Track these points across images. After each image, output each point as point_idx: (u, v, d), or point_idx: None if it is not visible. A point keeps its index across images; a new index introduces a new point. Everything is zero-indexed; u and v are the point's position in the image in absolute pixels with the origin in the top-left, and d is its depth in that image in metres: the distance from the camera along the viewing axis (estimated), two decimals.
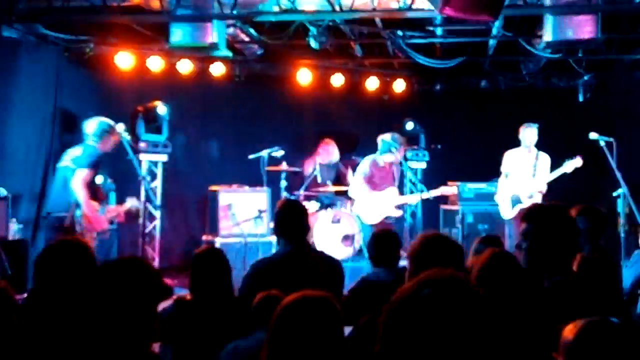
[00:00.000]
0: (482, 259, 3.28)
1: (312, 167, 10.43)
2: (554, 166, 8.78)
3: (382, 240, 4.89)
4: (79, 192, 6.99)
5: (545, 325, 2.86)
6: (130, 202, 7.91)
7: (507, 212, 9.10)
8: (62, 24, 8.88)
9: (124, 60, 9.77)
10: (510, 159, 9.09)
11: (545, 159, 8.95)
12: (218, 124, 11.21)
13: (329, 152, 10.30)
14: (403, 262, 5.02)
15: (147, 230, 9.66)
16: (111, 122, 7.41)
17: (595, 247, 4.67)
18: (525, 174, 8.91)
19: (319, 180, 10.25)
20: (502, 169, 9.18)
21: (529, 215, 3.39)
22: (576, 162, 8.55)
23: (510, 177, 9.04)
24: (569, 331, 2.27)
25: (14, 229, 8.16)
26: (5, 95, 8.65)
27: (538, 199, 8.68)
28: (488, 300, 1.62)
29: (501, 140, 9.18)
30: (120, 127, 7.15)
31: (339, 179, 10.43)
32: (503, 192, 9.11)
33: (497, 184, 9.48)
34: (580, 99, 10.94)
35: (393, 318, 1.63)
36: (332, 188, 10.06)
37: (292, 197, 9.91)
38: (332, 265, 4.63)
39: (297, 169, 10.23)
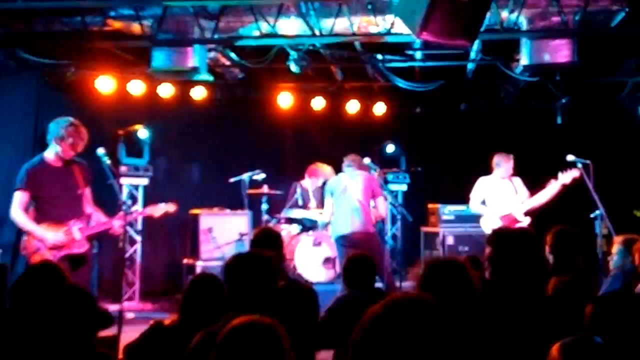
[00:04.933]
0: None
1: (294, 190, 10.39)
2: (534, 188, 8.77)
3: (357, 264, 4.96)
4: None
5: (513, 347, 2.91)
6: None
7: None
8: (42, 49, 8.89)
9: (105, 84, 9.78)
10: (486, 187, 8.86)
11: (519, 179, 8.85)
12: (199, 148, 11.24)
13: (318, 176, 10.19)
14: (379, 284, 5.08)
15: (127, 255, 9.67)
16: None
17: (571, 268, 4.72)
18: (510, 196, 8.75)
19: (300, 203, 10.23)
20: (475, 195, 8.89)
21: (492, 240, 3.45)
22: (573, 173, 8.17)
23: (492, 203, 8.83)
24: (555, 349, 2.33)
25: None
26: None
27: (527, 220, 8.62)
28: (455, 320, 1.65)
29: (481, 163, 9.23)
30: (101, 151, 7.09)
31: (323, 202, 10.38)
32: (490, 219, 8.75)
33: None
34: (558, 121, 11.06)
35: (363, 337, 1.66)
36: (313, 211, 10.04)
37: (274, 220, 9.93)
38: (305, 294, 4.61)
39: (278, 192, 10.21)
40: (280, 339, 2.53)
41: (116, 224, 6.73)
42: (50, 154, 6.56)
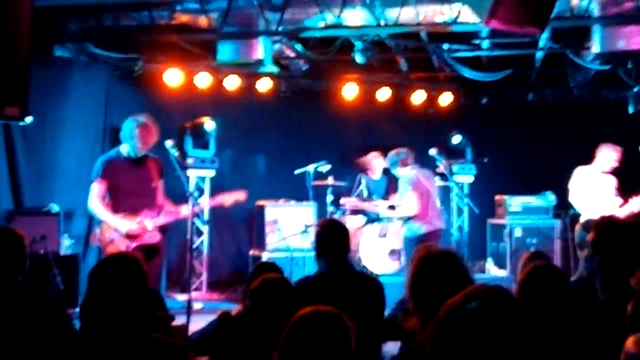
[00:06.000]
0: (524, 272, 3.36)
1: (359, 181, 10.40)
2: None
3: None
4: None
5: (597, 339, 2.84)
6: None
7: None
8: (112, 43, 9.08)
9: (172, 77, 9.90)
10: (586, 178, 8.50)
11: (614, 179, 8.52)
12: (264, 139, 11.32)
13: (375, 166, 10.23)
14: None
15: (194, 245, 9.77)
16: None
17: None
18: (609, 193, 8.42)
19: (365, 195, 10.22)
20: (575, 186, 8.51)
21: (598, 226, 3.40)
22: None
23: (591, 198, 8.37)
24: (631, 343, 2.28)
25: (66, 244, 8.32)
26: (57, 113, 8.88)
27: None
28: (532, 313, 1.62)
29: (549, 153, 9.06)
30: (169, 143, 7.18)
31: (388, 194, 10.32)
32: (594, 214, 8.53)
33: (545, 197, 9.30)
34: (630, 110, 10.74)
35: (441, 331, 1.65)
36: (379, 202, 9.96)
37: (339, 212, 9.95)
38: (371, 285, 4.67)
39: (343, 184, 10.19)
40: (346, 329, 2.55)
41: (184, 210, 6.89)
42: (124, 149, 6.79)
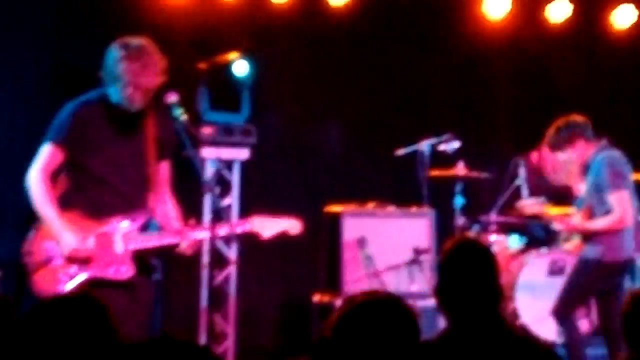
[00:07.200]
0: None
1: (516, 172, 10.32)
2: None
3: None
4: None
5: None
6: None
7: None
8: None
9: None
10: None
11: None
12: (339, 95, 11.20)
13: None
14: None
15: (215, 284, 9.91)
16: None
17: None
18: None
19: (525, 195, 10.13)
20: None
21: None
22: None
23: None
24: None
25: None
26: None
27: None
28: None
29: None
30: (171, 100, 6.92)
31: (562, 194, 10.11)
32: None
33: None
34: None
35: None
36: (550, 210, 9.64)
37: (476, 226, 9.92)
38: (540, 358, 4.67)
39: (484, 174, 10.19)
40: None
41: (185, 242, 6.72)
42: (114, 97, 6.70)
